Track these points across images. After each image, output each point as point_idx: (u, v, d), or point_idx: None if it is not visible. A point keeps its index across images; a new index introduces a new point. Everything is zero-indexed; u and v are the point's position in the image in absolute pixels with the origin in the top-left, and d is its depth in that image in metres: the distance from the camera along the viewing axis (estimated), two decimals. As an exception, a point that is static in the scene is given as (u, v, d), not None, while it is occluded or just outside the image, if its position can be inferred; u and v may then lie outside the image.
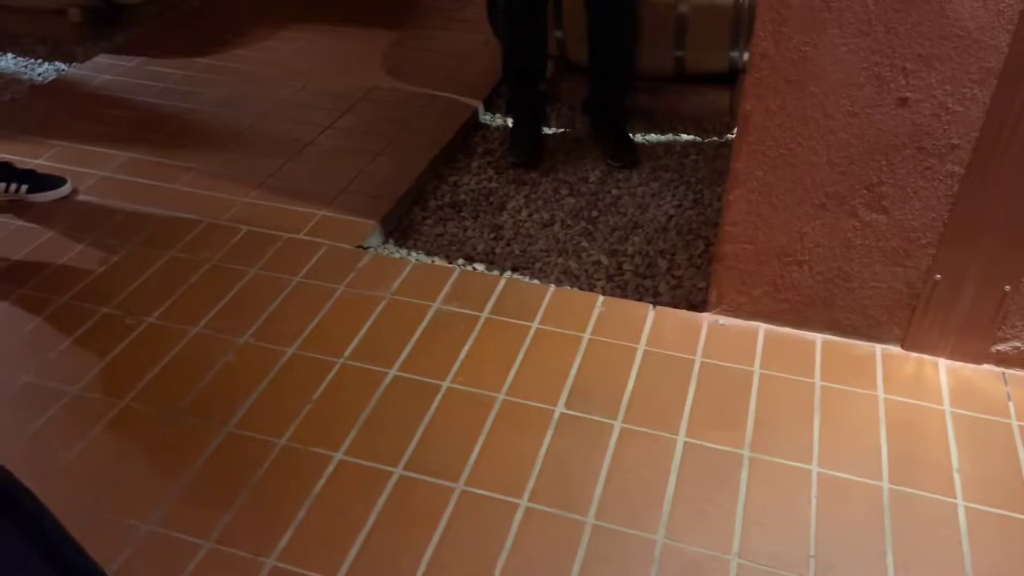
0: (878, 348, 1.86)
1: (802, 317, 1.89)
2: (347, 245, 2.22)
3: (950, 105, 1.54)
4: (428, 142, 2.69)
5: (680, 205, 2.46)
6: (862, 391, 1.75)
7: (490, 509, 1.52)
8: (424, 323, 1.95)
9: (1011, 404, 1.72)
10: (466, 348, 1.88)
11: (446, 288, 2.06)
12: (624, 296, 2.12)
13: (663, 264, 2.24)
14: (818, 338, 1.89)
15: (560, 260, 2.27)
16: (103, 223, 2.30)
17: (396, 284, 2.08)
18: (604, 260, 2.26)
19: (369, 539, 1.47)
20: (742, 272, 1.87)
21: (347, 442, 1.65)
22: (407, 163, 2.59)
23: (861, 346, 1.86)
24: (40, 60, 3.34)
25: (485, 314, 1.98)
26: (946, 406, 1.72)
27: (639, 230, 2.37)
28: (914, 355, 1.84)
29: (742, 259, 1.86)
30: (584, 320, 1.95)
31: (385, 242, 2.35)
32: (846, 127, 1.62)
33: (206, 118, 2.86)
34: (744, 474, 1.58)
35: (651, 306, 2.00)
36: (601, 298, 2.03)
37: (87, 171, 2.53)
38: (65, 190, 2.40)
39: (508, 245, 2.34)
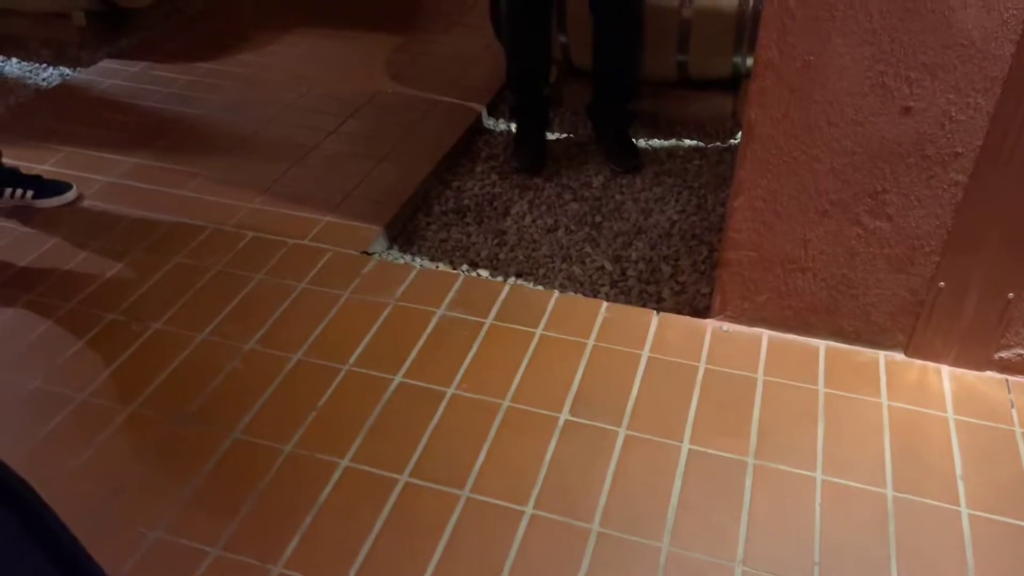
0: (882, 355, 1.86)
1: (806, 324, 1.90)
2: (352, 251, 2.23)
3: (954, 114, 1.54)
4: (432, 147, 2.70)
5: (683, 210, 2.47)
6: (866, 398, 1.76)
7: (495, 517, 1.53)
8: (429, 329, 1.96)
9: (1014, 411, 1.73)
10: (471, 354, 1.89)
11: (450, 294, 2.07)
12: (628, 302, 2.13)
13: (667, 270, 2.24)
14: (822, 344, 1.89)
15: (564, 266, 2.28)
16: (109, 229, 2.31)
17: (400, 290, 2.08)
18: (608, 266, 2.27)
19: (375, 547, 1.48)
20: (746, 279, 1.88)
21: (353, 449, 1.66)
22: (411, 168, 2.60)
23: (865, 353, 1.87)
24: (45, 64, 3.35)
25: (489, 320, 1.99)
26: (950, 413, 1.73)
27: (643, 235, 2.38)
28: (918, 362, 1.84)
29: (746, 266, 1.86)
30: (588, 326, 1.96)
31: (389, 248, 2.36)
32: (850, 135, 1.63)
33: (211, 123, 2.87)
34: (748, 481, 1.59)
35: (655, 312, 2.01)
36: (605, 304, 2.04)
37: (92, 176, 2.54)
38: (70, 196, 2.41)
39: (512, 251, 2.34)
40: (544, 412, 1.74)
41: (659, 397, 1.77)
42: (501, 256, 2.33)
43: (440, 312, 2.01)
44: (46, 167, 2.58)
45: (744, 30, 2.61)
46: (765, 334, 1.93)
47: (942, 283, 1.73)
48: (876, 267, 1.76)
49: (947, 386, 1.79)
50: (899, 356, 1.86)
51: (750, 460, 1.63)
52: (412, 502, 1.56)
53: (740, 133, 2.75)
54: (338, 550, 1.48)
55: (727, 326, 1.95)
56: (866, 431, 1.68)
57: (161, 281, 2.12)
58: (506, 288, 2.10)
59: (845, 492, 1.57)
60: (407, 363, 1.86)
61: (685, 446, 1.66)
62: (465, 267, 2.28)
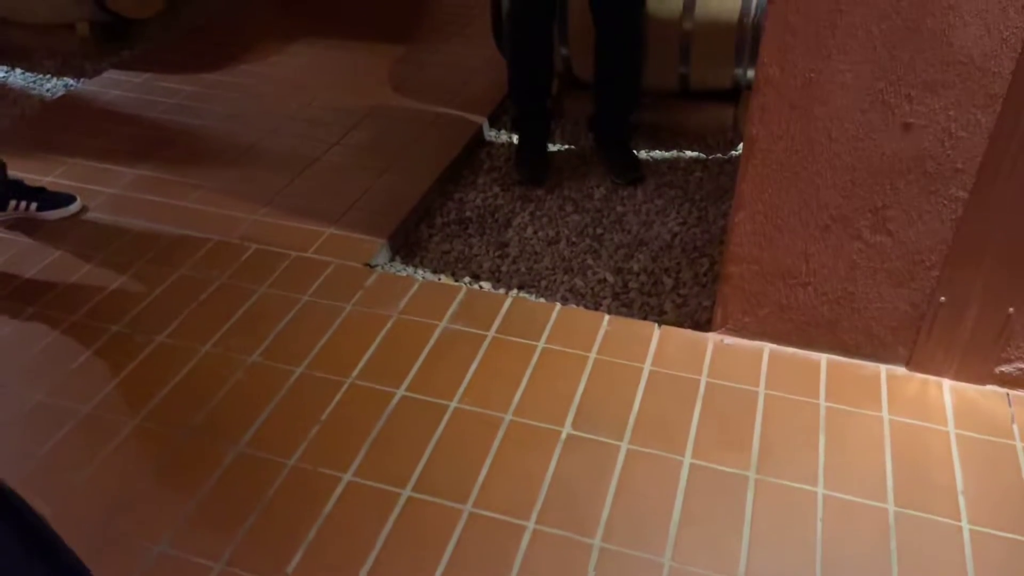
0: (883, 368, 1.87)
1: (807, 337, 1.90)
2: (355, 263, 2.24)
3: (954, 131, 1.55)
4: (434, 159, 2.71)
5: (684, 222, 2.48)
6: (867, 412, 1.76)
7: (498, 531, 1.53)
8: (431, 342, 1.97)
9: (1015, 426, 1.73)
10: (473, 367, 1.89)
11: (453, 307, 2.08)
12: (630, 314, 2.14)
13: (668, 282, 2.25)
14: (823, 358, 1.90)
15: (566, 278, 2.28)
16: (113, 241, 2.32)
17: (403, 303, 2.09)
18: (610, 278, 2.28)
19: (378, 562, 1.49)
20: (747, 292, 1.89)
21: (356, 463, 1.66)
22: (413, 180, 2.61)
23: (866, 366, 1.87)
24: (49, 75, 3.37)
25: (491, 333, 2.00)
26: (951, 427, 1.73)
27: (644, 247, 2.39)
28: (919, 376, 1.85)
29: (747, 279, 1.87)
30: (590, 339, 1.97)
31: (392, 259, 2.37)
32: (851, 151, 1.64)
33: (215, 134, 2.88)
34: (750, 496, 1.59)
35: (656, 325, 2.02)
36: (607, 317, 2.04)
37: (97, 188, 2.55)
38: (75, 208, 2.42)
39: (514, 263, 2.35)
40: (546, 426, 1.74)
41: (661, 411, 1.78)
42: (503, 268, 2.34)
43: (442, 325, 2.02)
44: (50, 179, 2.59)
45: (745, 42, 2.62)
46: (767, 347, 1.93)
47: (943, 297, 1.74)
48: (877, 281, 1.77)
49: (948, 400, 1.79)
50: (900, 370, 1.86)
51: (752, 475, 1.64)
52: (415, 517, 1.56)
53: (741, 145, 2.77)
54: (341, 565, 1.48)
55: (728, 339, 1.96)
56: (867, 445, 1.69)
57: (165, 294, 2.13)
58: (508, 300, 2.11)
59: (846, 507, 1.57)
60: (409, 376, 1.87)
61: (687, 460, 1.67)
62: (467, 279, 2.29)
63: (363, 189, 2.57)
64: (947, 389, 1.82)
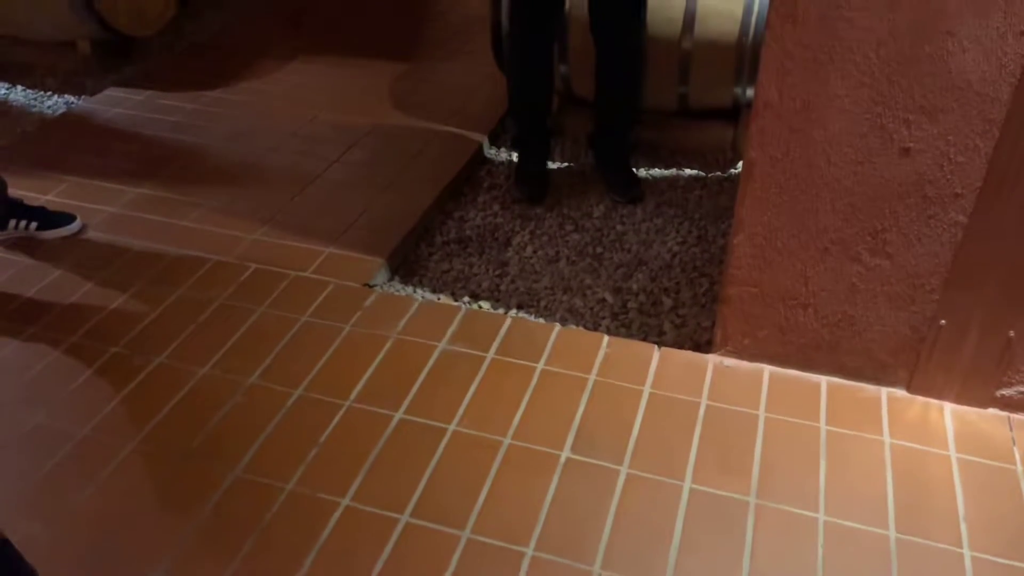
0: (883, 391, 1.86)
1: (807, 359, 1.90)
2: (353, 283, 2.24)
3: (953, 155, 1.55)
4: (434, 177, 2.72)
5: (684, 242, 2.48)
6: (868, 435, 1.76)
7: (497, 558, 1.52)
8: (430, 364, 1.96)
9: (1016, 450, 1.72)
10: (472, 390, 1.89)
11: (452, 327, 2.08)
12: (629, 335, 2.13)
13: (668, 302, 2.25)
14: (823, 380, 1.89)
15: (565, 298, 2.28)
16: (112, 261, 2.32)
17: (402, 323, 2.09)
18: (609, 298, 2.27)
19: (376, 588, 1.48)
20: (747, 314, 1.88)
21: (354, 487, 1.66)
22: (413, 198, 2.61)
23: (866, 389, 1.87)
24: (50, 92, 3.38)
25: (491, 354, 1.99)
26: (952, 451, 1.72)
27: (643, 267, 2.38)
28: (920, 399, 1.84)
29: (747, 302, 1.87)
30: (589, 361, 1.96)
31: (391, 279, 2.36)
32: (850, 175, 1.63)
33: (215, 152, 2.89)
34: (750, 522, 1.58)
35: (656, 347, 2.01)
36: (606, 338, 2.04)
37: (97, 207, 2.55)
38: (75, 227, 2.42)
39: (513, 282, 2.35)
40: (545, 450, 1.74)
41: (661, 434, 1.77)
42: (502, 287, 2.33)
43: (441, 346, 2.02)
44: (50, 197, 2.59)
45: (744, 62, 2.63)
46: (766, 369, 1.93)
47: (943, 321, 1.74)
48: (877, 304, 1.77)
49: (949, 423, 1.78)
50: (901, 392, 1.86)
51: (752, 500, 1.63)
52: (413, 543, 1.55)
53: (740, 163, 2.77)
54: (339, 592, 1.47)
55: (728, 361, 1.96)
56: (868, 470, 1.68)
57: (164, 314, 2.13)
58: (507, 321, 2.10)
59: (847, 533, 1.56)
60: (408, 399, 1.86)
61: (687, 485, 1.66)
62: (466, 299, 2.29)
63: (363, 207, 2.57)
64: (948, 412, 1.81)
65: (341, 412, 1.84)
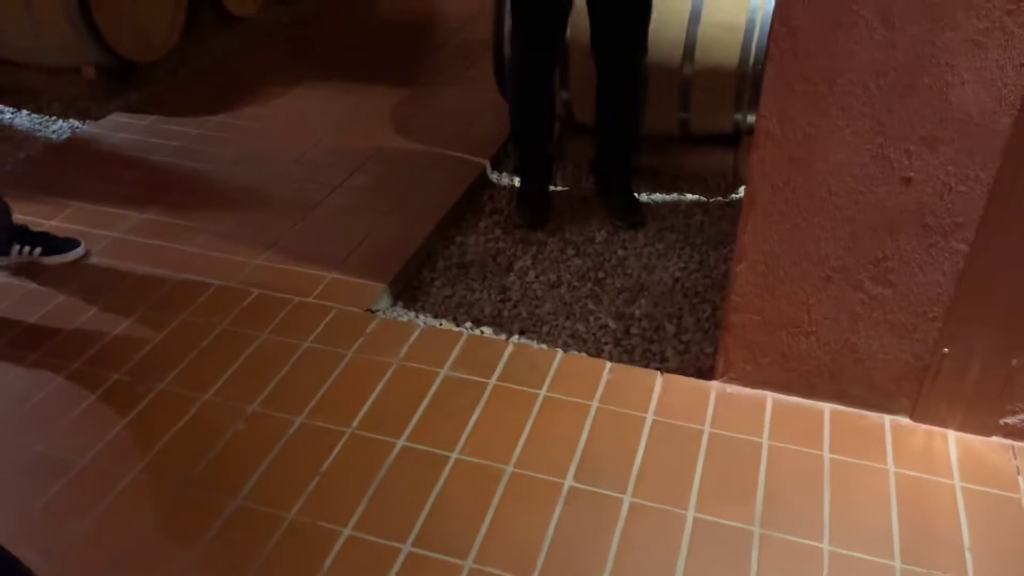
0: (887, 419, 1.86)
1: (810, 387, 1.90)
2: (356, 309, 2.24)
3: (954, 185, 1.56)
4: (436, 201, 2.73)
5: (686, 267, 2.48)
6: (872, 464, 1.75)
7: (499, 589, 1.51)
8: (432, 390, 1.96)
9: (1020, 479, 1.72)
10: (474, 417, 1.88)
11: (454, 353, 2.08)
12: (631, 361, 2.13)
13: (670, 328, 2.25)
14: (826, 408, 1.89)
15: (567, 323, 2.28)
16: (116, 286, 2.33)
17: (404, 349, 2.09)
18: (611, 323, 2.27)
19: (378, 620, 1.47)
20: (750, 341, 1.88)
21: (355, 517, 1.65)
22: (416, 223, 2.62)
23: (870, 417, 1.86)
24: (55, 117, 3.40)
25: (493, 381, 1.99)
26: (956, 480, 1.72)
27: (646, 292, 2.39)
28: (923, 427, 1.84)
29: (749, 329, 1.87)
30: (592, 388, 1.96)
31: (394, 304, 2.37)
32: (851, 204, 1.64)
33: (219, 177, 2.90)
34: (755, 552, 1.57)
35: (659, 373, 2.01)
36: (609, 365, 2.04)
37: (101, 232, 2.56)
38: (79, 252, 2.43)
39: (515, 307, 2.35)
40: (548, 478, 1.73)
41: (664, 462, 1.77)
42: (505, 313, 2.34)
43: (444, 372, 2.02)
44: (55, 222, 2.60)
45: (744, 88, 2.65)
46: (769, 397, 1.92)
47: (946, 349, 1.74)
48: (880, 332, 1.77)
49: (953, 452, 1.78)
50: (905, 420, 1.85)
51: (756, 529, 1.62)
52: (415, 573, 1.54)
53: (742, 188, 2.78)
54: (340, 624, 1.46)
55: (731, 388, 1.95)
56: (873, 499, 1.67)
57: (166, 340, 2.13)
58: (510, 347, 2.11)
59: (852, 564, 1.55)
60: (410, 426, 1.86)
61: (691, 515, 1.65)
62: (469, 324, 2.29)
63: (365, 232, 2.58)
64: (952, 441, 1.80)
65: (343, 439, 1.83)
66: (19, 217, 2.44)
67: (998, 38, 1.41)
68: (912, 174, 1.57)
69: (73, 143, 3.16)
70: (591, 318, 2.30)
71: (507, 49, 2.71)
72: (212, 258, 2.45)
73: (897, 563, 1.55)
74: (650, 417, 1.88)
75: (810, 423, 1.85)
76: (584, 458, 1.77)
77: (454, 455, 1.78)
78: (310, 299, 2.28)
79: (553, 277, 2.46)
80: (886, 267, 1.69)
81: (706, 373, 2.04)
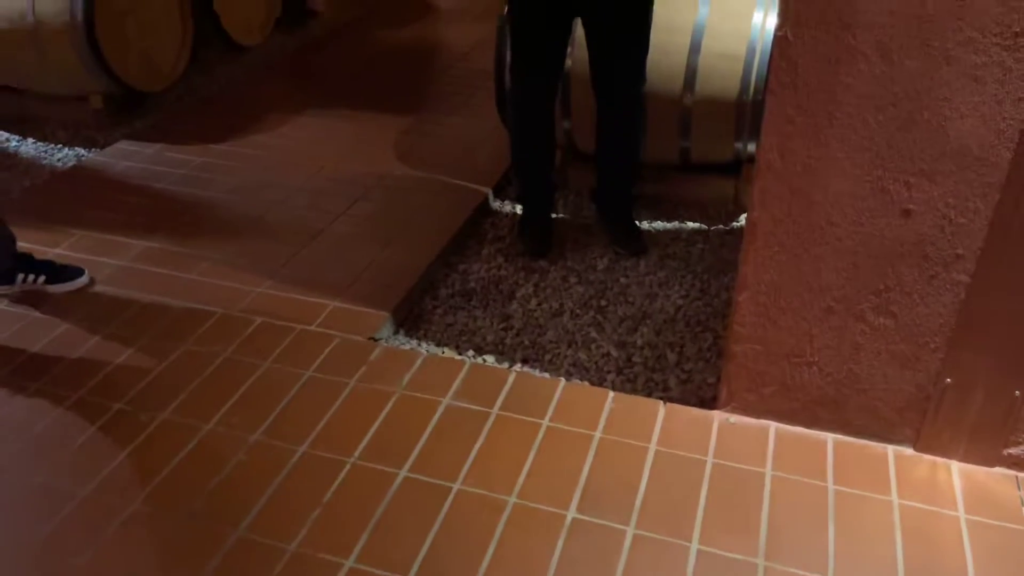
0: (890, 449, 1.85)
1: (813, 416, 1.89)
2: (359, 337, 2.25)
3: (954, 217, 1.57)
4: (439, 229, 2.74)
5: (687, 295, 2.49)
6: (876, 496, 1.74)
7: (502, 623, 1.50)
8: (434, 420, 1.96)
9: (1026, 511, 1.71)
10: (476, 447, 1.88)
11: (456, 383, 2.07)
12: (634, 390, 2.13)
13: (672, 357, 2.25)
14: (829, 438, 1.89)
15: (570, 352, 2.28)
16: (119, 314, 2.34)
17: (407, 378, 2.09)
18: (614, 352, 2.28)
19: (379, 655, 1.45)
20: (752, 371, 1.88)
21: (357, 549, 1.64)
22: (418, 251, 2.63)
23: (873, 447, 1.86)
24: (61, 145, 3.43)
25: (495, 410, 1.99)
26: (961, 512, 1.71)
27: (648, 320, 2.39)
28: (927, 457, 1.83)
29: (752, 358, 1.87)
30: (595, 418, 1.96)
31: (396, 332, 2.37)
32: (851, 235, 1.65)
33: (223, 205, 2.92)
34: (759, 585, 1.56)
35: (661, 403, 2.01)
36: (611, 394, 2.04)
37: (105, 260, 2.57)
38: (83, 281, 2.44)
39: (518, 335, 2.36)
40: (551, 509, 1.72)
41: (667, 493, 1.76)
42: (507, 341, 2.34)
43: (446, 402, 2.02)
44: (59, 250, 2.62)
45: (745, 117, 2.67)
46: (772, 426, 1.92)
47: (948, 379, 1.74)
48: (882, 363, 1.77)
49: (957, 483, 1.77)
50: (908, 451, 1.85)
51: (760, 562, 1.61)
52: (417, 606, 1.53)
53: (743, 216, 2.80)
54: (341, 659, 1.45)
55: (734, 418, 1.95)
56: (877, 532, 1.66)
57: (169, 368, 2.13)
58: (512, 376, 2.11)
59: (857, 597, 1.54)
60: (412, 456, 1.86)
61: (694, 546, 1.64)
62: (471, 353, 2.29)
63: (368, 260, 2.59)
64: (956, 471, 1.80)
65: (345, 470, 1.83)
66: (23, 245, 2.45)
67: (996, 73, 1.43)
68: (912, 206, 1.58)
69: (79, 171, 3.19)
70: (593, 346, 2.30)
71: (508, 79, 2.73)
72: (216, 286, 2.46)
73: (902, 597, 1.54)
74: (653, 447, 1.88)
75: (813, 453, 1.85)
76: (587, 489, 1.77)
77: (456, 486, 1.78)
78: (313, 327, 2.28)
79: (555, 305, 2.47)
80: (887, 298, 1.69)
81: (708, 402, 2.04)
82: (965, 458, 1.81)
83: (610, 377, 2.19)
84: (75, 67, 3.34)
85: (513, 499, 1.75)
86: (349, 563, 1.61)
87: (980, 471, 1.80)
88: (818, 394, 1.86)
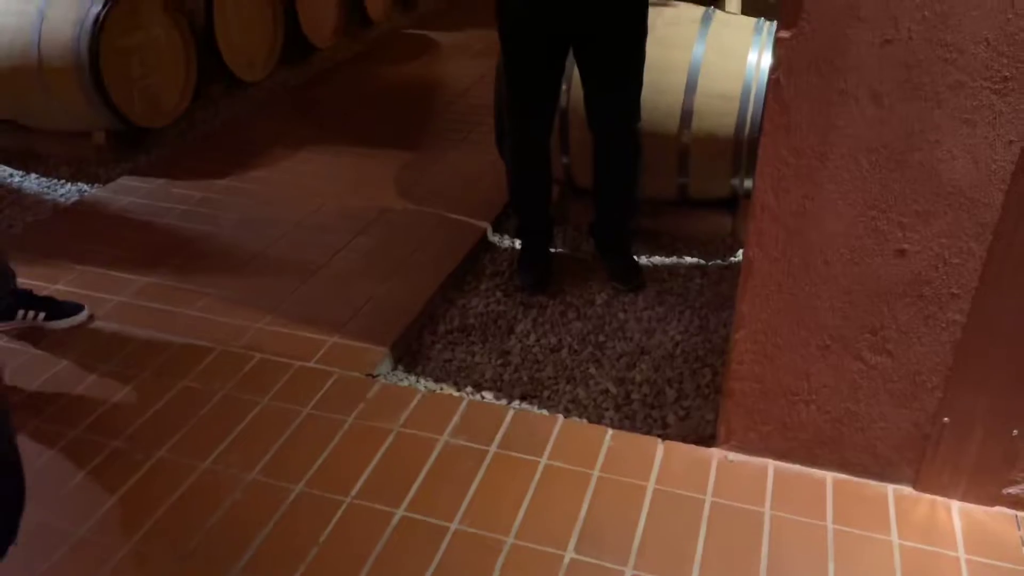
0: (890, 488, 1.84)
1: (812, 455, 1.89)
2: (357, 373, 2.25)
3: (947, 257, 1.58)
4: (438, 264, 2.76)
5: (686, 331, 2.49)
6: (876, 535, 1.73)
7: (499, 667, 1.48)
8: (432, 458, 1.95)
9: (1028, 551, 1.70)
10: (474, 486, 1.87)
11: (454, 420, 2.07)
12: (633, 426, 2.12)
13: (671, 393, 2.24)
14: (828, 476, 1.88)
15: (568, 388, 2.28)
16: (118, 351, 2.34)
17: (405, 416, 2.09)
18: (612, 388, 2.27)
19: None
20: (750, 409, 1.88)
21: (354, 591, 1.63)
22: (417, 286, 2.64)
23: (872, 486, 1.85)
24: (64, 181, 3.46)
25: (493, 448, 1.98)
26: (960, 552, 1.69)
27: (646, 356, 2.39)
28: (927, 496, 1.82)
29: (750, 396, 1.87)
30: (593, 456, 1.95)
31: (395, 368, 2.37)
32: (847, 274, 1.66)
33: (224, 240, 2.94)
34: (758, 629, 1.55)
35: (660, 441, 2.00)
36: (610, 432, 2.03)
37: (104, 296, 2.58)
38: (82, 317, 2.45)
39: (516, 371, 2.36)
40: (549, 550, 1.71)
41: (666, 533, 1.75)
42: (505, 377, 2.34)
43: (443, 439, 2.01)
44: (59, 286, 2.63)
45: (741, 155, 2.69)
46: (771, 465, 1.91)
47: (946, 418, 1.73)
48: (880, 401, 1.77)
49: (957, 523, 1.76)
50: (908, 490, 1.84)
51: (760, 604, 1.59)
52: (413, 650, 1.52)
53: (740, 252, 2.81)
54: None
55: (732, 456, 1.94)
56: (877, 573, 1.65)
57: (166, 406, 2.13)
58: (510, 413, 2.10)
59: (858, 641, 1.52)
60: (409, 495, 1.85)
61: (693, 588, 1.63)
62: (469, 389, 2.29)
63: (367, 296, 2.60)
64: (956, 511, 1.79)
65: (341, 509, 1.82)
66: (24, 281, 2.46)
67: (987, 116, 1.45)
68: (906, 246, 1.59)
69: (81, 206, 3.21)
70: (592, 383, 2.30)
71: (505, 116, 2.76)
72: (215, 322, 2.47)
73: (904, 640, 1.52)
74: (651, 486, 1.87)
75: (812, 492, 1.84)
76: (585, 529, 1.76)
77: (453, 526, 1.77)
78: (311, 363, 2.28)
79: (554, 340, 2.47)
80: (884, 336, 1.70)
81: (707, 440, 2.04)
82: (965, 497, 1.80)
83: (608, 414, 2.18)
84: (80, 105, 3.38)
85: (511, 540, 1.74)
86: (345, 605, 1.60)
87: (980, 511, 1.78)
88: (816, 432, 1.85)
